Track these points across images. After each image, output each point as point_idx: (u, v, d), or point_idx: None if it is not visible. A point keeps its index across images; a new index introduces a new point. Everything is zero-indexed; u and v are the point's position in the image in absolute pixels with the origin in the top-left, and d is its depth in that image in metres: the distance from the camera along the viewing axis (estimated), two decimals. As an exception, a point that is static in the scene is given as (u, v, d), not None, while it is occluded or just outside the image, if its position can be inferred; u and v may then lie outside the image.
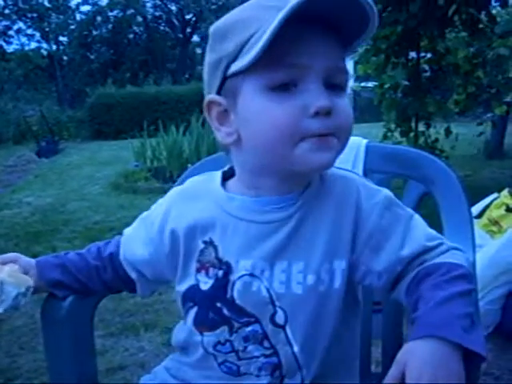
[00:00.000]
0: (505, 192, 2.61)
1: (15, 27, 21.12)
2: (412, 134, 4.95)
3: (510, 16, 5.48)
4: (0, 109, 13.16)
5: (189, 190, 0.84)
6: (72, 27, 21.32)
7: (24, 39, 25.70)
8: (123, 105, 12.91)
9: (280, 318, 0.75)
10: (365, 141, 1.11)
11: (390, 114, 5.10)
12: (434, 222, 0.89)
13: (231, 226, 0.77)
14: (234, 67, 0.69)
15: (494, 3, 4.93)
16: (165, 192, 0.89)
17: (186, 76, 19.60)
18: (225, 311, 0.76)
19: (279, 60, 0.67)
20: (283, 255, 0.74)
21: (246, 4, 0.72)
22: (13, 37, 21.28)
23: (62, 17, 21.08)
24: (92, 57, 21.51)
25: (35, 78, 19.93)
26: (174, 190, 0.87)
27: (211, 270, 0.77)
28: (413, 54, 4.91)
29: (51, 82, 20.55)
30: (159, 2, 22.27)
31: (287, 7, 0.63)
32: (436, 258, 0.74)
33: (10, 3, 20.09)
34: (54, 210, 5.13)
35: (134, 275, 0.88)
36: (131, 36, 22.62)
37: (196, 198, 0.82)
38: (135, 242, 0.87)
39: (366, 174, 1.06)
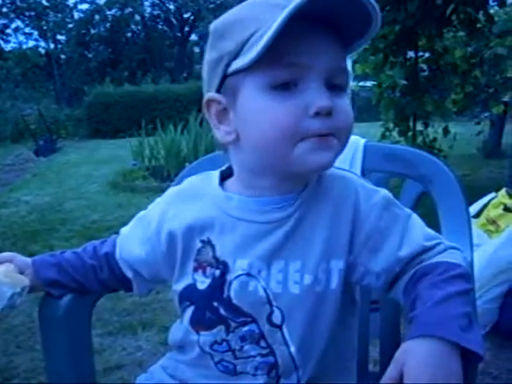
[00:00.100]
0: (502, 191, 2.61)
1: (13, 26, 21.16)
2: (410, 134, 4.96)
3: (507, 16, 5.50)
4: (-2, 107, 13.16)
5: (186, 190, 0.84)
6: (70, 26, 21.33)
7: (22, 38, 25.68)
8: (121, 103, 12.90)
9: (277, 317, 0.74)
10: (363, 140, 1.11)
11: (388, 113, 5.11)
12: (432, 221, 0.89)
13: (229, 226, 0.77)
14: (235, 65, 0.69)
15: (491, 3, 4.94)
16: (163, 191, 0.88)
17: (184, 75, 19.59)
18: (221, 311, 0.76)
19: (281, 59, 0.67)
20: (280, 255, 0.74)
21: (246, 2, 0.72)
22: (10, 35, 21.33)
23: (59, 15, 21.06)
24: (90, 55, 21.50)
25: (33, 76, 19.85)
26: (172, 190, 0.87)
27: (208, 270, 0.77)
28: (411, 54, 4.92)
29: (49, 81, 20.53)
30: (157, 1, 22.27)
31: (292, 5, 0.62)
32: (434, 257, 0.74)
33: (7, 1, 20.07)
34: (51, 209, 5.12)
35: (130, 274, 0.87)
36: (129, 35, 22.62)
37: (194, 198, 0.81)
38: (132, 242, 0.86)
39: (364, 173, 1.06)
